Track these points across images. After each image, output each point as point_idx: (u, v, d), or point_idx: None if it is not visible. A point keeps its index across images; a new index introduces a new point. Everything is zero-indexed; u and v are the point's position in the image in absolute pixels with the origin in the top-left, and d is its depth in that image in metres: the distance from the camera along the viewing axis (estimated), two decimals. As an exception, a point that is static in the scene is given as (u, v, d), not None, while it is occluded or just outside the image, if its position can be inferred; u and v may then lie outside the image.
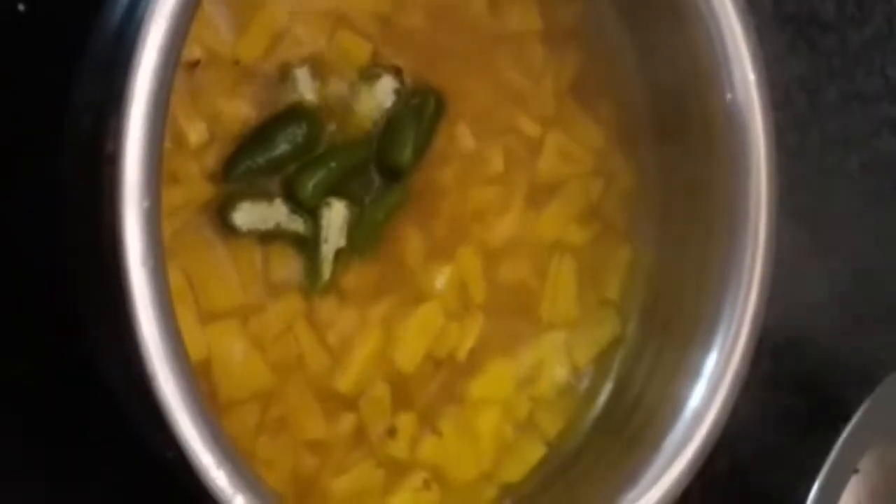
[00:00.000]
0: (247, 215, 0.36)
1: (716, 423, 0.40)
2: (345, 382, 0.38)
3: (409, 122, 0.39)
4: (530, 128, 0.42)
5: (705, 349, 0.40)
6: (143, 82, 0.32)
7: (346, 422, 0.38)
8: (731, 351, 0.40)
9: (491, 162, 0.42)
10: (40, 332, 0.36)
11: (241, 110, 0.37)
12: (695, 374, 0.40)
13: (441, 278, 0.40)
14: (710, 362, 0.40)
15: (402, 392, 0.39)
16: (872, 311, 0.50)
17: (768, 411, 0.47)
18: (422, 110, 0.40)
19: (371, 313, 0.39)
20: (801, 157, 0.50)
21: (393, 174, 0.39)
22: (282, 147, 0.37)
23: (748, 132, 0.41)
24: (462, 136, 0.41)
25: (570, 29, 0.43)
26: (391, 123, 0.39)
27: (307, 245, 0.38)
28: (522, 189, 0.42)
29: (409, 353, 0.39)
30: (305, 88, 0.38)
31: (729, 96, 0.40)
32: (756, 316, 0.41)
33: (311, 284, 0.38)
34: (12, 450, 0.36)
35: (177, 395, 0.30)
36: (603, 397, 0.43)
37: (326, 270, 0.38)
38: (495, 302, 0.41)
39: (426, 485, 0.40)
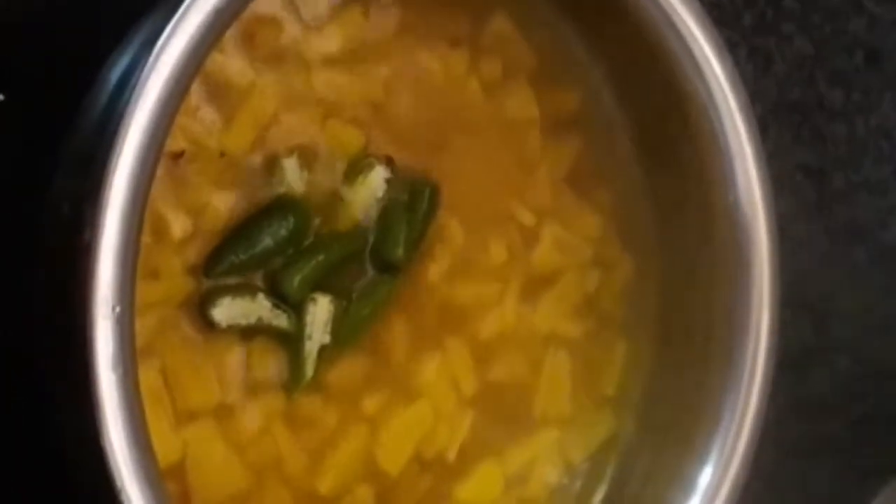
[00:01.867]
0: (227, 311, 0.35)
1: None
2: (325, 484, 0.37)
3: (401, 215, 0.38)
4: (525, 217, 0.41)
5: (702, 458, 0.38)
6: (123, 174, 0.31)
7: (325, 527, 0.37)
8: (729, 460, 0.38)
9: (484, 253, 0.40)
10: (8, 430, 0.35)
11: (226, 202, 0.35)
12: (690, 487, 0.38)
13: (429, 374, 0.39)
14: (706, 475, 0.38)
15: (385, 494, 0.38)
16: (879, 411, 0.49)
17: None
18: (416, 202, 0.39)
19: (355, 411, 0.37)
20: (807, 247, 0.49)
21: (386, 268, 0.38)
22: (267, 242, 0.36)
23: (750, 229, 0.40)
24: (454, 225, 0.40)
25: (569, 117, 0.42)
26: (384, 216, 0.38)
27: (290, 341, 0.36)
28: (517, 281, 0.41)
29: (394, 454, 0.38)
30: (294, 179, 0.37)
31: (732, 198, 0.39)
32: (757, 417, 0.40)
33: (294, 382, 0.36)
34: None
35: (144, 509, 0.29)
36: (596, 500, 0.41)
37: (310, 368, 0.37)
38: (486, 398, 0.40)
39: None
